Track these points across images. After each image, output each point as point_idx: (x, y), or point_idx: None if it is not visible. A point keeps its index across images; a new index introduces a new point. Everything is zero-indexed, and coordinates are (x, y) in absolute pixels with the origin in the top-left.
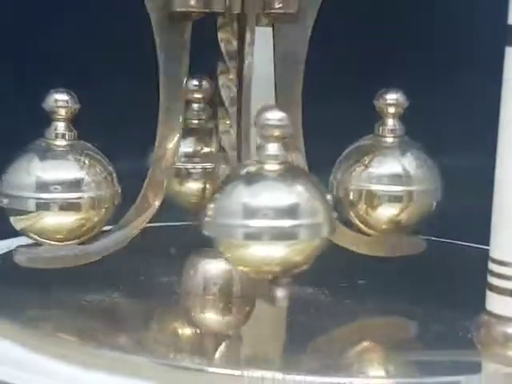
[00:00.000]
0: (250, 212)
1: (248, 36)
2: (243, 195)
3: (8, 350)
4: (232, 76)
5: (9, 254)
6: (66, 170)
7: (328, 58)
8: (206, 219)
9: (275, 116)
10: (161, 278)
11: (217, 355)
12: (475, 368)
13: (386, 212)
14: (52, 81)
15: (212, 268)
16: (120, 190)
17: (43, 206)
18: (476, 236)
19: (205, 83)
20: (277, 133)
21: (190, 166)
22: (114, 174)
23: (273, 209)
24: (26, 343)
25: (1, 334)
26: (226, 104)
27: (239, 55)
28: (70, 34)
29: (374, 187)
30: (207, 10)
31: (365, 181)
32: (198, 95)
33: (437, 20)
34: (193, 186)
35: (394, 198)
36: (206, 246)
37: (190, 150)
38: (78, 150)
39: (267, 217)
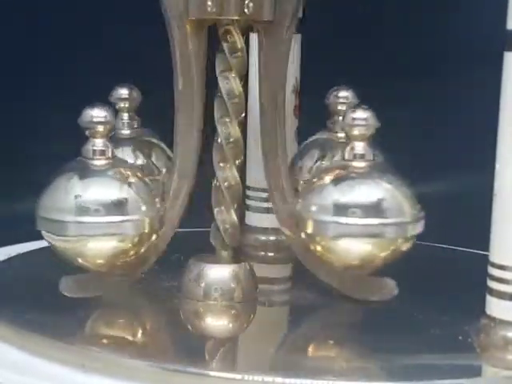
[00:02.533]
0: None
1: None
2: (333, 193)
3: (6, 353)
4: (234, 72)
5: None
6: (108, 190)
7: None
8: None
9: (361, 115)
10: (162, 282)
11: (217, 359)
12: (475, 371)
13: (353, 248)
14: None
15: (213, 273)
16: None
17: (84, 231)
18: (475, 242)
19: (134, 92)
20: (362, 131)
21: None
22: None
23: (361, 207)
24: (24, 347)
25: (3, 340)
26: (226, 98)
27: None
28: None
29: (340, 219)
30: (224, 17)
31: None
32: (127, 104)
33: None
34: None
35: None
36: (206, 251)
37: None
38: (119, 168)
39: (355, 215)
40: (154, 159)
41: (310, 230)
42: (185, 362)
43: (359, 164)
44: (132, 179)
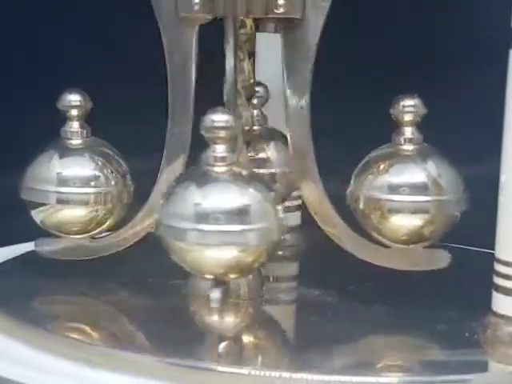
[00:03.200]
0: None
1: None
2: (194, 198)
3: (12, 348)
4: (247, 66)
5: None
6: (82, 166)
7: (334, 68)
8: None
9: (221, 118)
10: (169, 279)
11: (224, 355)
12: (482, 367)
13: (408, 223)
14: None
15: None
16: (132, 188)
17: (62, 200)
18: (481, 240)
19: (85, 98)
20: (223, 134)
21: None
22: (127, 172)
23: (223, 213)
24: (30, 342)
25: (7, 333)
26: (242, 91)
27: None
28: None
29: (395, 198)
30: (211, 15)
31: (384, 191)
32: (76, 112)
33: (442, 23)
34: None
35: (416, 209)
36: None
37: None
38: (92, 148)
39: (218, 221)
40: (107, 171)
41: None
42: (192, 357)
43: (408, 147)
44: (102, 157)
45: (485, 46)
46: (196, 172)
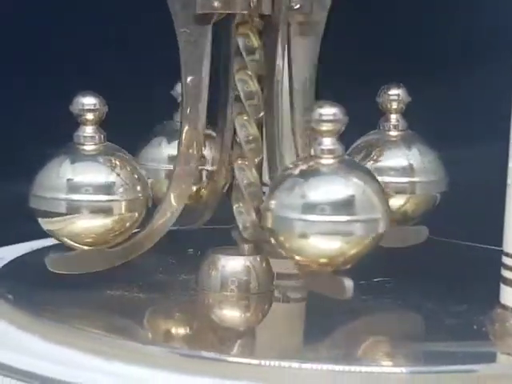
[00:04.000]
0: (308, 207)
1: (279, 39)
2: (301, 190)
3: (24, 340)
4: (250, 71)
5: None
6: (97, 173)
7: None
8: (265, 212)
9: (329, 111)
10: (179, 275)
11: (234, 346)
12: (489, 358)
13: (392, 203)
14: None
15: (229, 265)
16: (150, 195)
17: (74, 209)
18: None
19: (100, 102)
20: (331, 127)
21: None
22: (145, 178)
23: (329, 204)
24: (47, 336)
25: (23, 327)
26: (243, 99)
27: (266, 54)
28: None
29: (380, 179)
30: (231, 11)
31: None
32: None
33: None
34: None
35: (400, 189)
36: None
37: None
38: (107, 153)
39: (324, 212)
40: (123, 177)
41: (270, 225)
42: (203, 348)
43: (327, 161)
44: (119, 166)
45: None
46: (302, 165)
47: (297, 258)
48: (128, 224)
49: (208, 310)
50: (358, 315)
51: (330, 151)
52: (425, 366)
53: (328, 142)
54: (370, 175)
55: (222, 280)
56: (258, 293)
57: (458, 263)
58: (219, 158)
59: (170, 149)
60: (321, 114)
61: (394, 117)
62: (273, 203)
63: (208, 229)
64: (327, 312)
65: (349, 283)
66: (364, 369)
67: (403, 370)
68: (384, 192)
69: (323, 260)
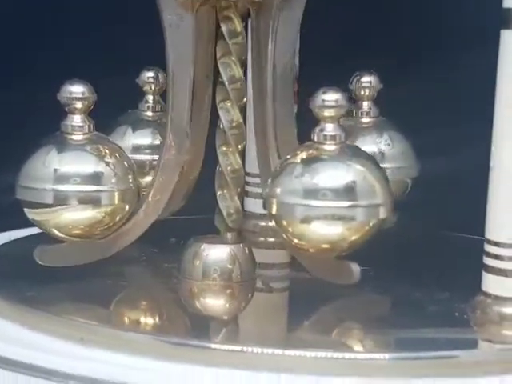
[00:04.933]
0: (310, 192)
1: (271, 22)
2: (303, 176)
3: (7, 328)
4: (233, 56)
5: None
6: (85, 162)
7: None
8: (270, 199)
9: (332, 97)
10: (162, 264)
11: (217, 334)
12: (471, 344)
13: None
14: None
15: (212, 253)
16: (139, 186)
17: (61, 200)
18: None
19: (160, 75)
20: (333, 113)
21: (148, 158)
22: (134, 168)
23: (331, 189)
24: (26, 322)
25: (8, 318)
26: (227, 83)
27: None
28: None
29: None
30: None
31: None
32: (153, 87)
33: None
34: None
35: None
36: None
37: (147, 142)
38: (96, 142)
39: (326, 197)
40: (112, 168)
41: (275, 211)
42: (185, 335)
43: (330, 147)
44: (109, 155)
45: (476, 27)
46: (305, 150)
47: (299, 243)
48: (119, 216)
49: (191, 299)
50: (340, 303)
51: (332, 137)
52: (407, 353)
53: (330, 128)
54: (371, 161)
55: (205, 268)
56: (240, 282)
57: (439, 252)
58: (195, 147)
59: (134, 138)
60: (323, 100)
61: (366, 104)
62: (277, 190)
63: (190, 218)
64: (309, 300)
65: (356, 267)
66: (347, 355)
67: (386, 356)
68: (386, 178)
69: (325, 245)
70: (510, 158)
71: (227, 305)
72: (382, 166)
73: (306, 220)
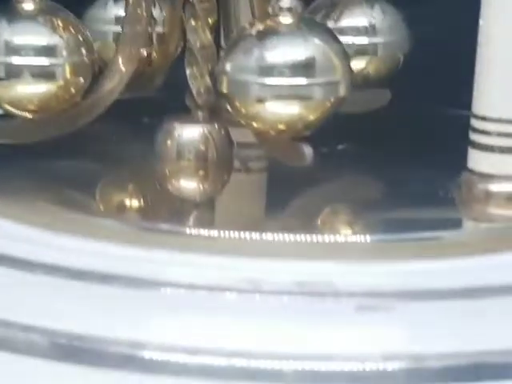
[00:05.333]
0: (266, 69)
1: None
2: (258, 51)
3: None
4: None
5: None
6: (38, 34)
7: None
8: (221, 76)
9: None
10: (134, 145)
11: (192, 218)
12: (456, 225)
13: (353, 66)
14: None
15: (186, 133)
16: (97, 58)
17: (14, 73)
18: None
19: None
20: None
21: None
22: (91, 40)
23: (288, 66)
24: None
25: None
26: None
27: None
28: None
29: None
30: None
31: None
32: None
33: None
34: None
35: (361, 51)
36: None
37: None
38: (49, 13)
39: (283, 74)
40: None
41: (226, 90)
42: (158, 220)
43: (286, 20)
44: (62, 27)
45: None
46: (259, 25)
47: (254, 124)
48: (73, 90)
49: (164, 181)
50: (319, 184)
51: (289, 9)
52: (389, 234)
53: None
54: (330, 35)
55: (179, 149)
56: (216, 162)
57: (424, 128)
58: (170, 19)
59: (117, 9)
60: None
61: None
62: (228, 66)
63: (165, 96)
64: (288, 182)
65: (308, 150)
66: (326, 238)
67: (367, 238)
68: (346, 53)
69: (281, 126)
70: (499, 33)
71: (202, 187)
72: (373, 40)
73: (261, 99)
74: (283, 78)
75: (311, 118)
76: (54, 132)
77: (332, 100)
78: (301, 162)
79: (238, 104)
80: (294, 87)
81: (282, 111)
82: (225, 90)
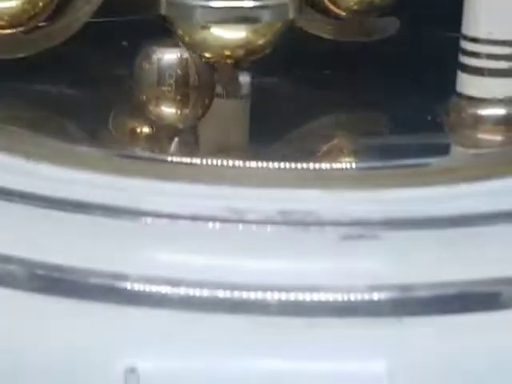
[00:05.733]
0: None
1: None
2: None
3: None
4: None
5: None
6: None
7: None
8: None
9: None
10: (112, 70)
11: (173, 145)
12: (444, 151)
13: None
14: None
15: (166, 58)
16: None
17: None
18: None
19: None
20: None
21: None
22: None
23: None
24: None
25: None
26: None
27: None
28: None
29: None
30: None
31: None
32: None
33: None
34: None
35: None
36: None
37: None
38: None
39: None
40: None
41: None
42: (137, 147)
43: None
44: None
45: None
46: None
47: (199, 51)
48: (41, 3)
49: (144, 107)
50: (306, 111)
51: None
52: (375, 161)
53: None
54: None
55: (159, 74)
56: (197, 87)
57: (418, 53)
58: None
59: None
60: None
61: None
62: None
63: (145, 20)
64: (274, 108)
65: (245, 79)
66: (311, 166)
67: (352, 165)
68: None
69: (227, 52)
70: None
71: (183, 113)
72: None
73: (206, 24)
74: (229, 1)
75: (259, 42)
76: (28, 49)
77: (280, 23)
78: (238, 91)
79: (180, 29)
80: (241, 10)
81: (228, 36)
82: (163, 12)
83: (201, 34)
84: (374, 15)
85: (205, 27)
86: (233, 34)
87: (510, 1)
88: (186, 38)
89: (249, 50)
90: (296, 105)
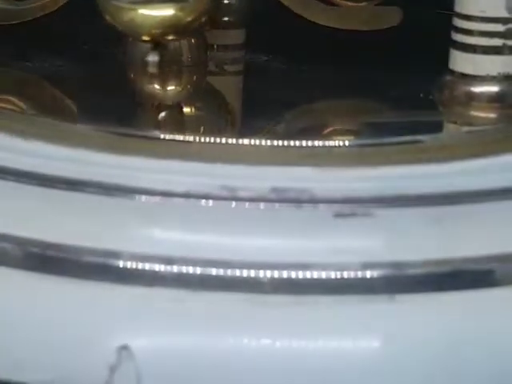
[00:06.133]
0: None
1: None
2: None
3: None
4: None
5: None
6: None
7: None
8: None
9: None
10: (105, 47)
11: (167, 123)
12: (436, 128)
13: None
14: None
15: None
16: None
17: None
18: None
19: None
20: None
21: None
22: None
23: None
24: None
25: None
26: None
27: None
28: None
29: None
30: None
31: None
32: None
33: None
34: None
35: None
36: None
37: None
38: None
39: None
40: None
41: None
42: (132, 125)
43: None
44: None
45: None
46: None
47: (128, 31)
48: None
49: (137, 85)
50: (296, 88)
51: None
52: (367, 139)
53: None
54: None
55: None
56: (191, 65)
57: (405, 29)
58: None
59: None
60: None
61: None
62: None
63: None
64: (267, 86)
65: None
66: (304, 143)
67: (345, 143)
68: None
69: (156, 31)
70: None
71: (176, 91)
72: None
73: (133, 5)
74: None
75: (188, 19)
76: (17, 17)
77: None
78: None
79: (109, 17)
80: None
81: (155, 15)
82: None
83: (128, 15)
84: (374, 2)
85: (131, 8)
86: (160, 13)
87: None
88: (117, 20)
89: (178, 27)
90: (290, 84)
